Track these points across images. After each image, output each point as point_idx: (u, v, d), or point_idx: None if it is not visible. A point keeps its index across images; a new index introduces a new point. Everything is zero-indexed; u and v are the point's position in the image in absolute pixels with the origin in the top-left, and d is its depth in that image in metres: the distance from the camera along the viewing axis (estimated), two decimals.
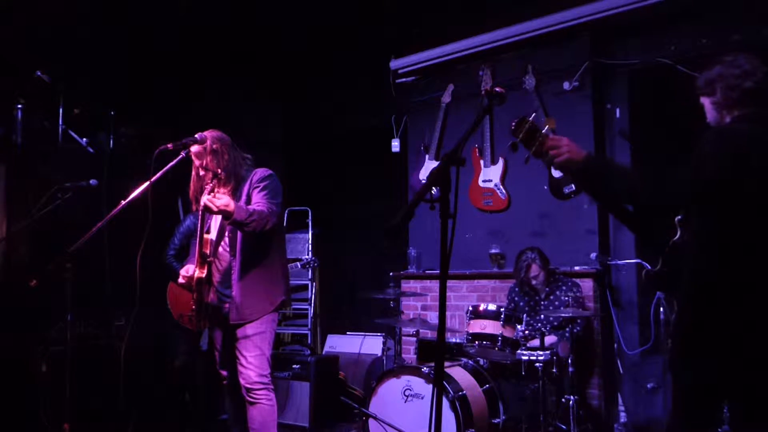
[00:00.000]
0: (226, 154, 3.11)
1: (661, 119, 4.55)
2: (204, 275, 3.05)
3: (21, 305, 3.80)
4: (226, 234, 3.16)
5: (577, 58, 4.78)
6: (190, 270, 3.13)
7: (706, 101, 2.20)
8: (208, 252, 3.08)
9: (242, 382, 3.06)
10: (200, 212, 3.01)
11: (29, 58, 4.32)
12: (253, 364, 3.05)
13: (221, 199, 2.80)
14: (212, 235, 3.15)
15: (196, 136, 3.08)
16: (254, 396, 3.06)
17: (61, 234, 3.41)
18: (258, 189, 3.11)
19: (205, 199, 2.80)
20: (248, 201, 3.09)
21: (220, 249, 3.18)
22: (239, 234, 3.10)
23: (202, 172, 3.13)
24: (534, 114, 2.30)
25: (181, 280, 3.17)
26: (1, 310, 3.82)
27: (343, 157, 6.34)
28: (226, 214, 2.82)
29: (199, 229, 3.07)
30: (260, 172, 3.20)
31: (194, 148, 3.08)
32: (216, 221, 3.18)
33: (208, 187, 2.91)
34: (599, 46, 4.79)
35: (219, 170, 3.04)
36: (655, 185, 2.05)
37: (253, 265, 3.12)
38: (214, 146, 3.08)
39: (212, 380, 3.41)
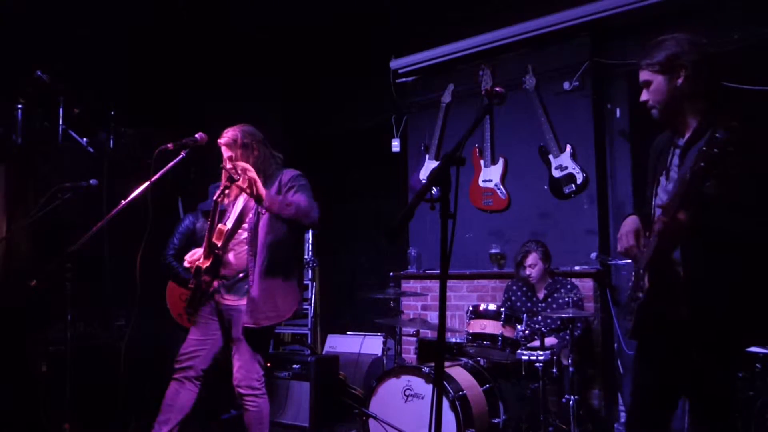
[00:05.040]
0: (257, 150, 3.06)
1: None
2: (208, 265, 3.00)
3: (21, 305, 3.80)
4: (248, 232, 3.07)
5: (577, 58, 4.78)
6: (196, 254, 3.08)
7: (657, 78, 2.06)
8: (218, 243, 3.00)
9: (234, 383, 3.03)
10: (214, 199, 2.96)
11: (29, 58, 4.32)
12: (244, 368, 3.02)
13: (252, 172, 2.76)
14: (229, 225, 3.07)
15: (195, 136, 3.08)
16: (244, 402, 3.04)
17: (61, 234, 3.41)
18: (293, 189, 3.03)
19: (240, 165, 2.78)
20: None
21: (240, 247, 3.09)
22: (261, 233, 3.02)
23: (229, 165, 3.06)
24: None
25: (186, 264, 3.12)
26: (1, 310, 3.82)
27: (343, 157, 6.35)
28: (255, 193, 2.77)
29: (210, 217, 3.00)
30: (289, 173, 3.12)
31: (224, 140, 3.04)
32: (235, 212, 3.11)
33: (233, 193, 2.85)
34: (599, 46, 4.79)
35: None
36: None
37: (274, 268, 3.04)
38: (246, 140, 3.03)
39: (212, 380, 3.40)
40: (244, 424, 3.08)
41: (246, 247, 3.06)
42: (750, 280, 1.95)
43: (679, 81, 2.04)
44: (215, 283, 3.10)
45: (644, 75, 2.11)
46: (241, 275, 3.08)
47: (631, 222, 2.21)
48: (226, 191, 3.05)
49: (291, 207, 2.88)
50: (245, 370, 3.02)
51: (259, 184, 2.77)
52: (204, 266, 3.01)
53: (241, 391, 3.02)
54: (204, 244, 3.03)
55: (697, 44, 2.05)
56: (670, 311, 2.06)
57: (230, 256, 3.09)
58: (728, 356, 1.99)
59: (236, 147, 3.03)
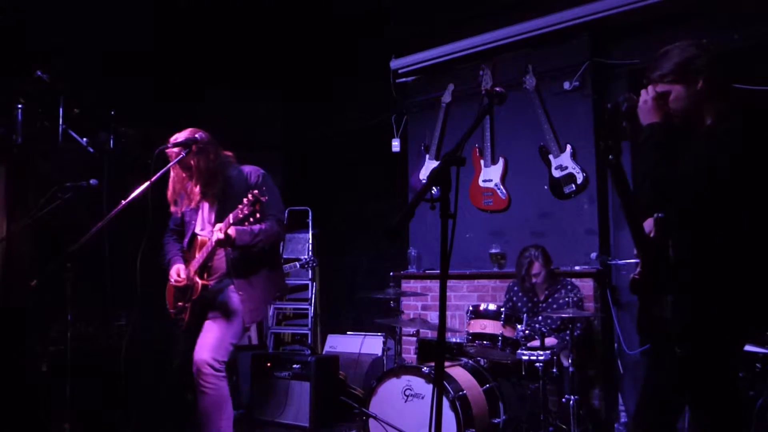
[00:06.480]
0: (212, 153, 3.02)
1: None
2: (205, 282, 3.02)
3: (21, 305, 3.80)
4: None
5: (577, 58, 4.78)
6: (182, 272, 3.06)
7: (675, 88, 2.05)
8: (205, 255, 3.02)
9: (194, 358, 2.90)
10: (183, 213, 2.99)
11: (29, 58, 4.32)
12: (211, 344, 2.91)
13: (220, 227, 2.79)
14: (206, 234, 3.09)
15: (195, 135, 3.07)
16: (201, 382, 2.89)
17: (61, 234, 3.41)
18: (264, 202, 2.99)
19: (217, 229, 2.81)
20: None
21: (218, 252, 3.08)
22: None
23: (183, 174, 3.05)
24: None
25: (173, 283, 3.10)
26: (1, 310, 3.82)
27: (343, 157, 6.35)
28: (229, 243, 2.81)
29: (190, 232, 3.03)
30: (254, 172, 3.09)
31: (175, 149, 2.98)
32: (201, 219, 3.11)
33: (246, 208, 2.75)
34: (599, 46, 4.79)
35: (206, 170, 2.99)
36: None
37: (257, 262, 3.06)
38: (200, 145, 2.98)
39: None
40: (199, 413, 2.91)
41: (223, 251, 3.04)
42: (731, 283, 1.93)
43: (699, 86, 2.02)
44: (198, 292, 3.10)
45: (660, 88, 2.10)
46: (225, 279, 3.08)
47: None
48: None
49: (258, 241, 2.93)
50: (212, 346, 2.90)
51: (231, 230, 2.79)
52: (207, 283, 3.02)
53: (201, 368, 2.86)
54: (196, 264, 3.02)
55: (703, 47, 2.04)
56: (656, 309, 2.06)
57: (212, 262, 3.08)
58: (706, 360, 1.95)
59: (191, 154, 2.97)
